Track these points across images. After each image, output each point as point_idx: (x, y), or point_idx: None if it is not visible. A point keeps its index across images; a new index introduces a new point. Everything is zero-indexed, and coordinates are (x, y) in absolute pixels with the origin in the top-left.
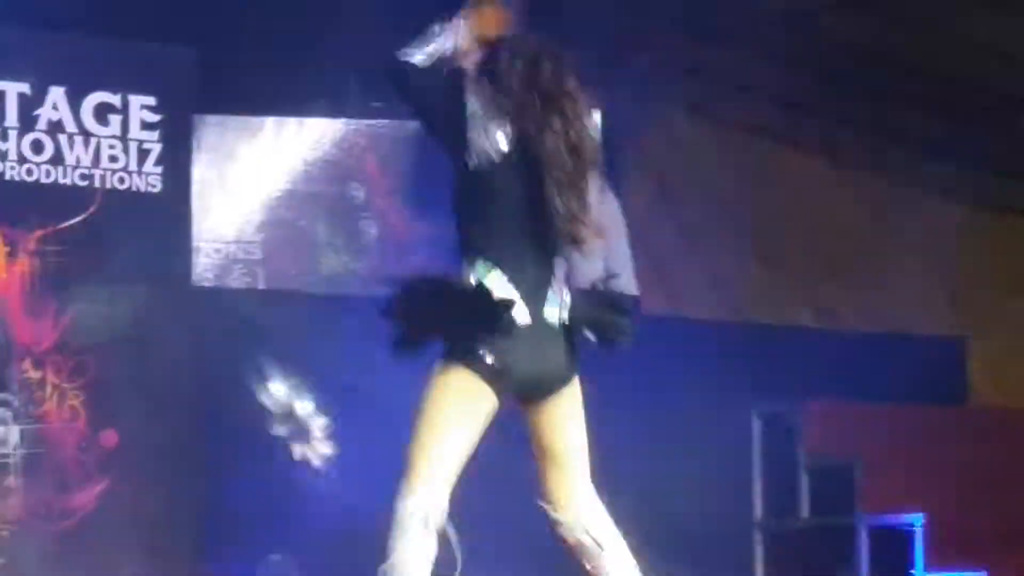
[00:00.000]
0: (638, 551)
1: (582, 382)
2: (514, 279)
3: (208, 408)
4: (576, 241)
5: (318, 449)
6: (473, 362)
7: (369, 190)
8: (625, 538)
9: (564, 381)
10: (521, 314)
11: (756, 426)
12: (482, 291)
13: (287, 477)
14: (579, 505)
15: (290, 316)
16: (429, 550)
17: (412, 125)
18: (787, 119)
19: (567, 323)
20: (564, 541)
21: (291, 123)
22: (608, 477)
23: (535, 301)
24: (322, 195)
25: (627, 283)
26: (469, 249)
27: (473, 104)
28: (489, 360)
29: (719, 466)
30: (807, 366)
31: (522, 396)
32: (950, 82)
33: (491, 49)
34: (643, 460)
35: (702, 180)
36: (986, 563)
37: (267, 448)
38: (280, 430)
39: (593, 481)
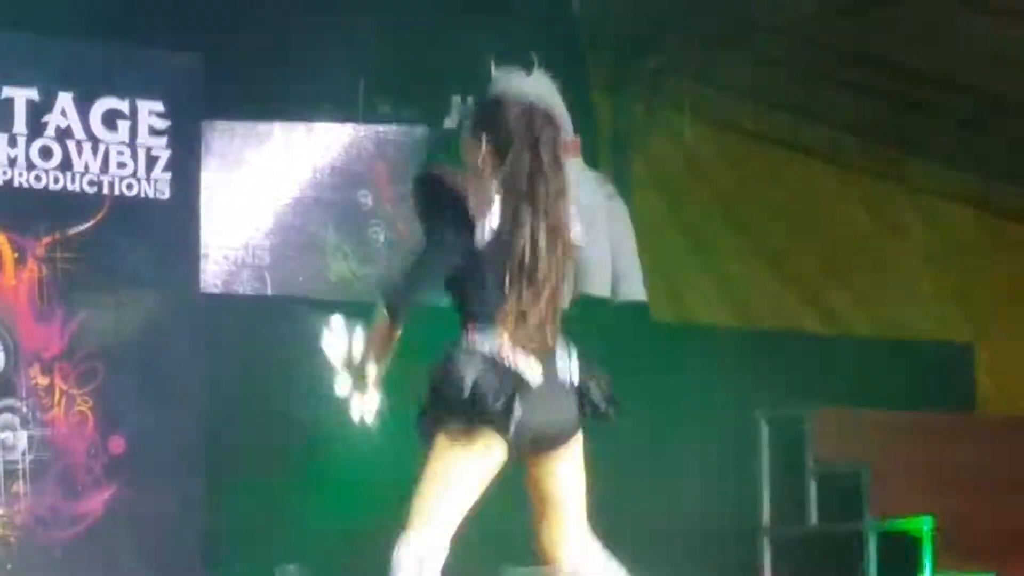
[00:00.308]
0: (646, 557)
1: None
2: (521, 342)
3: (216, 414)
4: (537, 327)
5: (373, 399)
6: (490, 418)
7: (377, 196)
8: (631, 541)
9: (572, 434)
10: (534, 375)
11: (764, 432)
12: (496, 360)
13: (295, 484)
14: (571, 548)
15: (298, 322)
16: None
17: (420, 131)
18: (794, 125)
19: (575, 382)
20: None
21: (299, 129)
22: (616, 484)
23: (544, 360)
24: (330, 201)
25: (635, 289)
26: (472, 317)
27: (470, 201)
28: (508, 425)
29: (727, 472)
30: (814, 372)
31: (531, 449)
32: (958, 88)
33: (492, 108)
34: (651, 466)
35: (709, 186)
36: (994, 568)
37: (275, 455)
38: (341, 383)
39: (601, 485)
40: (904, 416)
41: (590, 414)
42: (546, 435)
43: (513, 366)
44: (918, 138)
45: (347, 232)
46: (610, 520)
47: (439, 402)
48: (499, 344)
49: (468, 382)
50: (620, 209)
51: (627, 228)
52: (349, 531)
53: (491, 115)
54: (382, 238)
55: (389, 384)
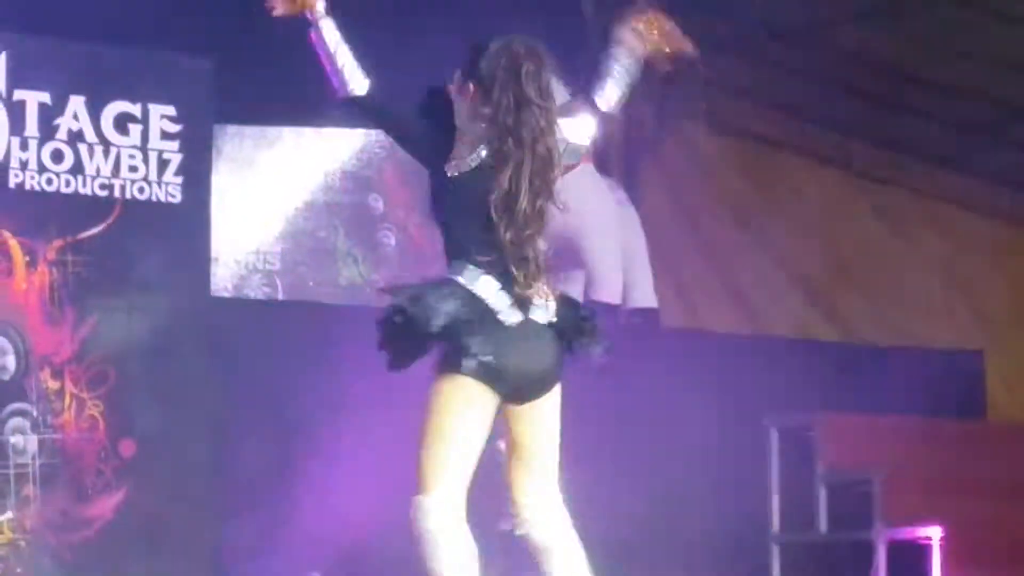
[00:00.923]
0: (657, 564)
1: (599, 396)
2: (502, 282)
3: (227, 418)
4: (521, 261)
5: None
6: (471, 364)
7: (388, 200)
8: (642, 550)
9: (553, 380)
10: (512, 315)
11: (773, 439)
12: (474, 297)
13: (307, 488)
14: (541, 504)
15: (308, 326)
16: (469, 552)
17: None
18: (805, 132)
19: (553, 323)
20: (523, 537)
21: (310, 133)
22: (626, 489)
23: (523, 302)
24: (341, 205)
25: (646, 295)
26: (456, 254)
27: (459, 117)
28: (485, 359)
29: (736, 479)
30: (825, 379)
31: (511, 395)
32: (970, 95)
33: (477, 51)
34: (661, 472)
35: (720, 192)
36: (1004, 575)
37: (285, 459)
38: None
39: (612, 492)
40: (914, 423)
41: (569, 350)
42: (527, 378)
43: (490, 303)
44: (930, 144)
45: (357, 236)
46: (621, 526)
47: (410, 327)
48: (477, 277)
49: (440, 312)
50: (631, 216)
51: (638, 234)
52: (360, 537)
53: (474, 57)
54: (392, 242)
55: (394, 393)
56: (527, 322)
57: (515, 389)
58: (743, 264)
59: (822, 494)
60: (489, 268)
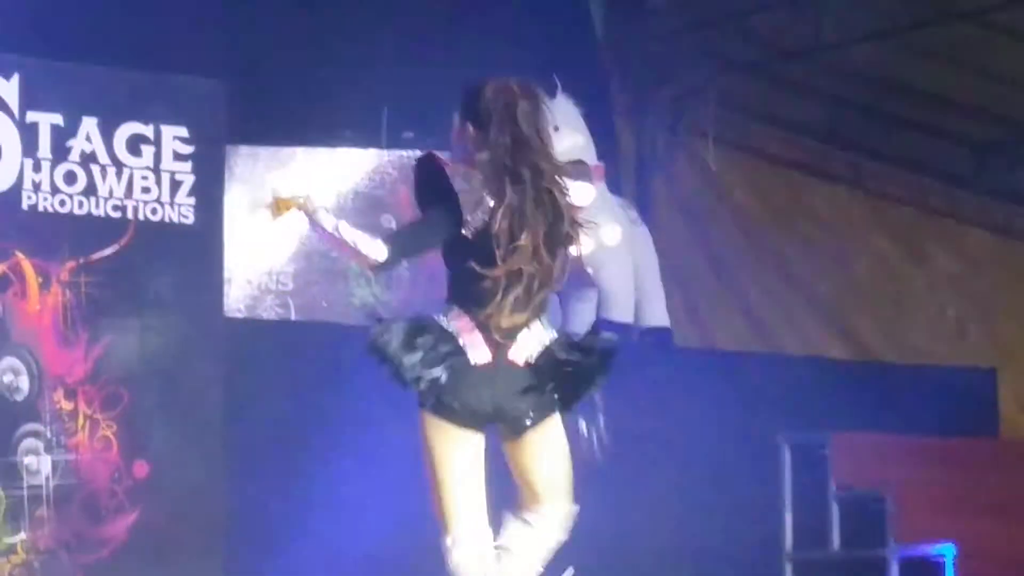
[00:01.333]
0: None
1: (612, 414)
2: (485, 320)
3: (240, 439)
4: (513, 300)
5: (295, 219)
6: (430, 402)
7: (400, 221)
8: (655, 567)
9: (530, 419)
10: (480, 355)
11: (786, 457)
12: (445, 333)
13: (320, 508)
14: (511, 527)
15: (321, 347)
16: None
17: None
18: (818, 151)
19: (532, 363)
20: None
21: (322, 153)
22: (639, 507)
23: (499, 341)
24: (354, 226)
25: (658, 315)
26: (451, 297)
27: (459, 183)
28: (445, 398)
29: (749, 497)
30: (837, 397)
31: (498, 430)
32: (980, 114)
33: (472, 93)
34: (673, 490)
35: (733, 212)
36: None
37: (299, 480)
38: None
39: (625, 509)
40: (927, 442)
41: (558, 398)
42: (501, 416)
43: (462, 341)
44: (943, 163)
45: None
46: (633, 544)
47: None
48: (454, 315)
49: (395, 343)
50: (643, 235)
51: (650, 254)
52: (373, 554)
53: (471, 99)
54: (405, 263)
55: (407, 412)
56: (498, 360)
57: (481, 425)
58: (756, 283)
59: (835, 512)
60: (475, 305)
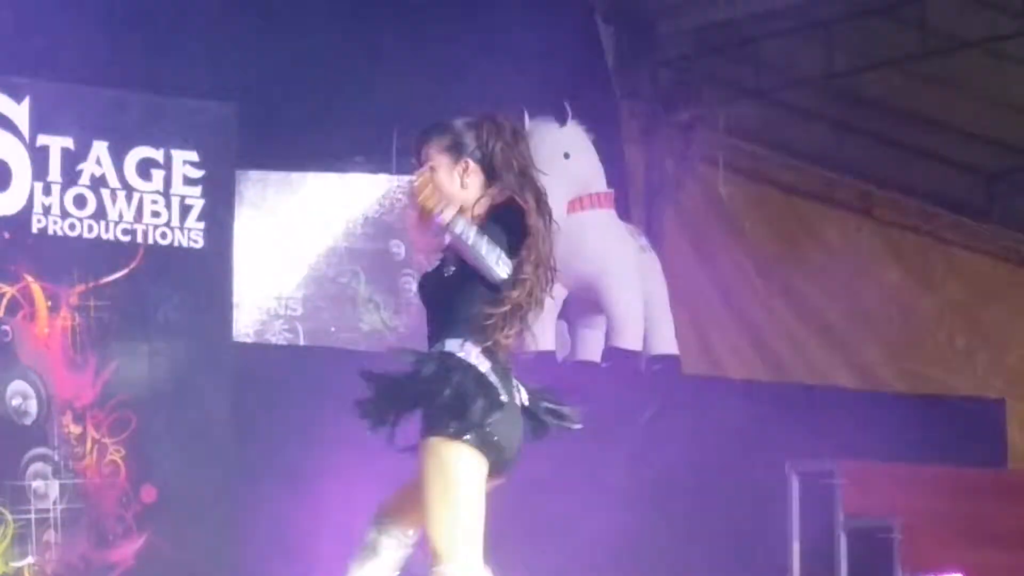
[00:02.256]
0: None
1: (618, 443)
2: (493, 366)
3: (248, 464)
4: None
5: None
6: (477, 435)
7: (410, 246)
8: None
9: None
10: (505, 392)
11: (794, 486)
12: (482, 377)
13: (329, 533)
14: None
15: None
16: None
17: None
18: (827, 179)
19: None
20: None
21: (332, 179)
22: (646, 535)
23: (509, 380)
24: (363, 251)
25: (667, 342)
26: (464, 335)
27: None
28: (487, 431)
29: (757, 526)
30: (845, 427)
31: (498, 469)
32: (989, 141)
33: (455, 131)
34: (680, 519)
35: (741, 240)
36: None
37: (309, 504)
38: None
39: (631, 537)
40: (935, 471)
41: (541, 431)
42: (513, 455)
43: (490, 379)
44: (951, 192)
45: (379, 282)
46: (642, 572)
47: (436, 409)
48: (482, 357)
49: (469, 393)
50: (652, 262)
51: (659, 281)
52: None
53: (459, 138)
54: (414, 288)
55: (416, 439)
56: (510, 401)
57: (502, 464)
58: (765, 310)
59: (843, 541)
60: (483, 338)
